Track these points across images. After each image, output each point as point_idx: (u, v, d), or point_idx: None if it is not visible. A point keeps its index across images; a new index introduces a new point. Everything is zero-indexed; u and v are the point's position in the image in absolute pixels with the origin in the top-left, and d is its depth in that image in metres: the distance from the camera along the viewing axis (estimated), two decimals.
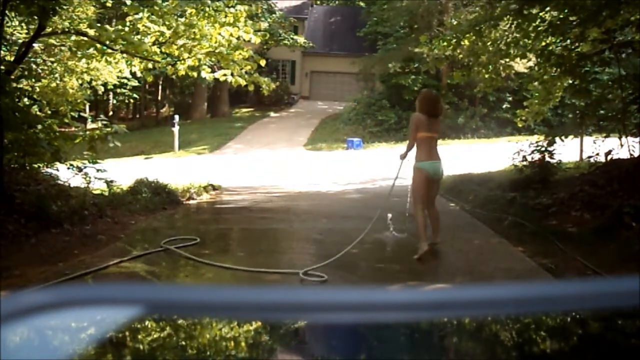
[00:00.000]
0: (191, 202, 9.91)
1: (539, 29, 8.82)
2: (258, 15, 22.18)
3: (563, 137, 8.97)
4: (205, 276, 5.23)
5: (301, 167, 16.50)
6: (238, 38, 9.34)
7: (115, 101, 32.95)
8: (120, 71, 11.29)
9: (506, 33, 9.78)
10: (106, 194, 8.48)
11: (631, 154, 8.00)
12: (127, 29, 9.02)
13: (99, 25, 9.70)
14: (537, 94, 12.01)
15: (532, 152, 9.16)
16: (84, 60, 10.14)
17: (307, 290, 0.64)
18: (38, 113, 9.26)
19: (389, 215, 6.45)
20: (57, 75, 11.29)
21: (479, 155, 16.68)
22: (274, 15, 30.81)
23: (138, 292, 0.60)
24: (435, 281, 4.95)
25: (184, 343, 0.95)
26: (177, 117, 22.97)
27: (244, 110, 33.75)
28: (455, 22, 14.16)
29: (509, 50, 9.72)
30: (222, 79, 9.92)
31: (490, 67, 10.47)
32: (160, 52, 9.45)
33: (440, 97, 5.53)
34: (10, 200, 6.66)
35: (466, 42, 9.74)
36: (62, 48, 10.48)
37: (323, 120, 29.56)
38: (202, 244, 6.23)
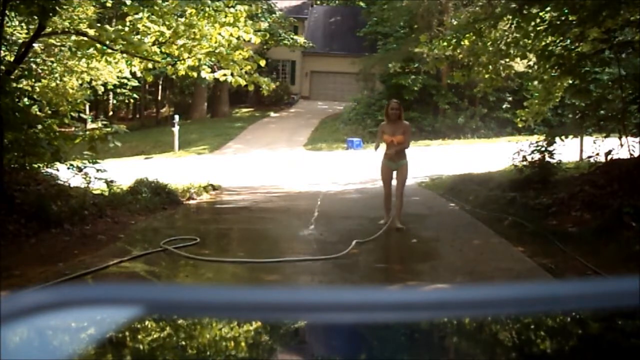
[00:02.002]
0: (191, 202, 9.90)
1: (539, 28, 8.81)
2: (258, 15, 22.19)
3: (563, 137, 8.96)
4: (205, 276, 5.23)
5: (301, 167, 16.49)
6: (238, 38, 9.33)
7: (115, 101, 32.93)
8: (120, 71, 11.29)
9: (506, 33, 9.77)
10: (106, 194, 8.48)
11: (631, 154, 7.98)
12: (127, 29, 9.01)
13: (99, 25, 9.69)
14: (537, 94, 12.01)
15: (532, 152, 9.15)
16: (84, 60, 10.14)
17: (307, 290, 0.64)
18: (38, 113, 9.25)
19: None
20: (57, 75, 11.29)
21: (479, 155, 16.67)
22: (274, 15, 30.78)
23: (138, 292, 0.60)
24: (436, 281, 4.95)
25: (184, 343, 0.95)
26: (177, 117, 22.95)
27: (244, 110, 33.73)
28: (455, 22, 14.17)
29: (509, 50, 9.72)
30: (222, 79, 9.92)
31: (490, 67, 10.46)
32: (160, 52, 9.44)
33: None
34: (10, 200, 6.66)
35: (466, 42, 9.73)
36: (62, 48, 10.49)
37: (323, 120, 29.54)
38: (202, 244, 6.23)
